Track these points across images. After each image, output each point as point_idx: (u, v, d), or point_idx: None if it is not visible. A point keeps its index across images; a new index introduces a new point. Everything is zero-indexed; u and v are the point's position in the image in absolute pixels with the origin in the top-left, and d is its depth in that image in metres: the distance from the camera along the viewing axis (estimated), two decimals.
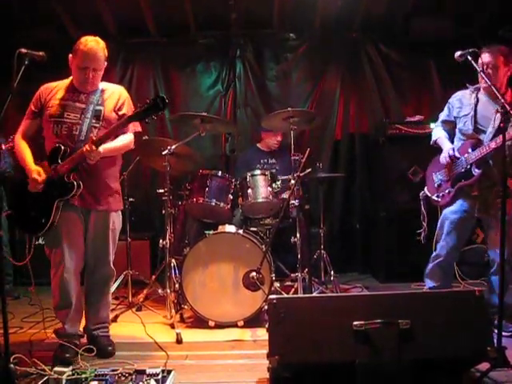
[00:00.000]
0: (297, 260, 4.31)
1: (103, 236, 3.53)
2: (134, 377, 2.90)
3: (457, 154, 3.84)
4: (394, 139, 5.64)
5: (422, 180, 5.29)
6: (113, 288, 3.95)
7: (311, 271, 4.46)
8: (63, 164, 3.32)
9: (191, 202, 4.44)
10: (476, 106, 3.83)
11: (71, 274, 3.43)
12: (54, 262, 3.44)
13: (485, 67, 3.57)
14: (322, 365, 2.69)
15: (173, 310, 4.18)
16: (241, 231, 4.23)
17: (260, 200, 4.41)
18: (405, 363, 2.64)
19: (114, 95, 3.57)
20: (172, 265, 4.38)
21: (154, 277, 4.85)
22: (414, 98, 6.41)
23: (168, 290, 4.25)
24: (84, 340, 3.62)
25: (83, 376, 2.92)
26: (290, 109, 4.38)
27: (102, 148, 3.31)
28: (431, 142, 4.14)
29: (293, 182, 4.20)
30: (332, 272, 4.90)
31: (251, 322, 4.10)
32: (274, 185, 4.47)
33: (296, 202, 4.26)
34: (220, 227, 4.28)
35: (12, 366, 2.88)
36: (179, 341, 3.77)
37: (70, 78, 3.53)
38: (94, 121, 3.44)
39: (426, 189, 4.15)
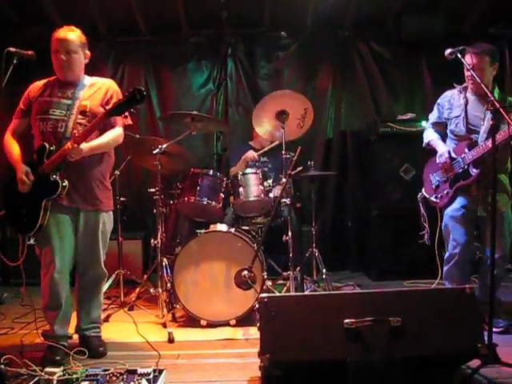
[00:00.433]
0: (289, 258, 4.29)
1: (93, 237, 3.47)
2: (125, 376, 2.88)
3: (453, 155, 3.85)
4: (386, 137, 5.65)
5: (414, 178, 5.35)
6: (105, 288, 3.91)
7: (303, 270, 4.45)
8: (47, 163, 3.26)
9: (183, 200, 4.43)
10: (466, 106, 3.85)
11: (61, 274, 3.38)
12: (45, 263, 3.39)
13: (470, 67, 3.58)
14: (313, 363, 2.68)
15: (165, 310, 4.16)
16: (232, 230, 4.21)
17: (251, 198, 4.41)
18: (396, 361, 2.63)
19: (101, 89, 3.48)
20: (164, 264, 4.37)
21: (145, 276, 4.84)
22: (405, 96, 6.42)
23: (160, 290, 4.24)
24: (74, 340, 3.60)
25: (74, 376, 2.91)
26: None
27: (84, 145, 3.23)
28: (424, 145, 4.16)
29: (284, 180, 4.20)
30: (324, 270, 4.89)
31: (243, 321, 4.09)
32: (265, 183, 4.46)
33: (288, 201, 4.25)
34: (211, 226, 4.26)
35: (3, 366, 2.88)
36: (171, 340, 3.76)
37: None
38: (79, 117, 3.35)
39: (423, 190, 4.15)
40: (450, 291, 3.23)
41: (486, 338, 2.77)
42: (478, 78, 3.34)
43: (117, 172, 4.70)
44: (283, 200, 4.23)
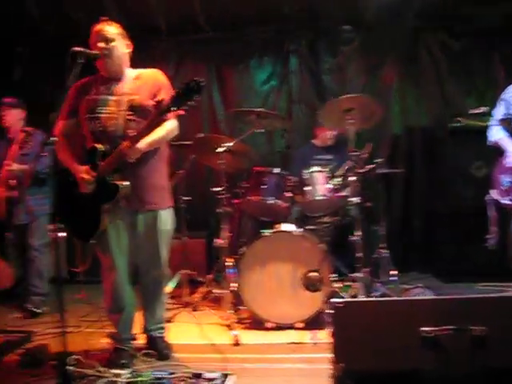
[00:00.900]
0: (355, 259, 4.12)
1: (153, 237, 3.34)
2: (191, 380, 2.83)
3: None
4: (456, 133, 5.40)
5: (487, 176, 5.09)
6: (170, 288, 3.87)
7: (371, 271, 4.29)
8: (103, 165, 3.14)
9: (247, 200, 4.35)
10: None
11: (122, 278, 3.33)
12: (105, 266, 3.35)
13: None
14: (389, 373, 2.55)
15: (229, 311, 4.09)
16: (299, 230, 4.10)
17: (319, 197, 4.28)
18: (477, 373, 2.47)
19: (148, 81, 3.31)
20: (228, 264, 4.30)
21: (210, 276, 4.79)
22: (476, 91, 6.09)
23: (224, 290, 4.16)
24: (140, 341, 3.58)
25: (139, 379, 2.89)
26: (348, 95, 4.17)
27: (141, 144, 3.09)
28: (489, 143, 3.94)
29: (353, 178, 4.05)
30: (393, 272, 4.70)
31: (310, 324, 3.96)
32: (332, 181, 4.32)
33: (357, 200, 4.09)
34: (277, 226, 4.16)
35: (70, 367, 2.87)
36: (237, 343, 3.69)
37: None
38: (129, 113, 3.20)
39: (493, 191, 3.92)
40: None
41: None
42: None
43: (181, 171, 4.66)
44: (352, 199, 4.08)
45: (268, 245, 4.04)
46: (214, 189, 4.37)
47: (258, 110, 4.30)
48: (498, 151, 3.88)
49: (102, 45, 3.19)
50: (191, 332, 3.98)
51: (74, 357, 3.11)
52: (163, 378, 2.87)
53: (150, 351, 3.44)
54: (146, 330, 3.57)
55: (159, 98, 3.08)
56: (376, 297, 4.34)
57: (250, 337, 3.86)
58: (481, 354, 2.49)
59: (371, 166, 4.12)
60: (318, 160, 5.15)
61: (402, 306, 2.72)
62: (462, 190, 5.41)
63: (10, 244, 5.22)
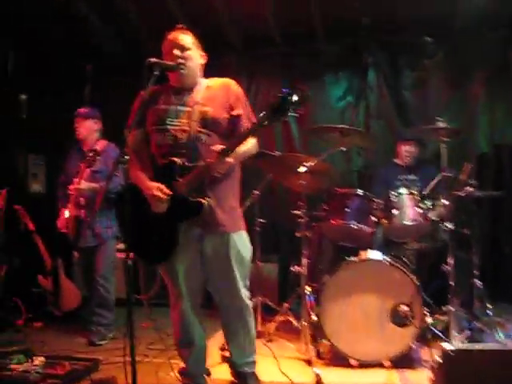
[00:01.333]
0: (445, 289, 3.76)
1: (225, 263, 2.98)
2: None
3: None
4: None
5: None
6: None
7: (466, 304, 3.89)
8: (183, 182, 2.84)
9: (329, 223, 4.04)
10: None
11: (191, 308, 3.05)
12: (172, 294, 3.07)
13: None
14: None
15: (309, 345, 3.76)
16: (388, 258, 3.74)
17: (408, 222, 3.92)
18: None
19: (221, 91, 3.03)
20: (308, 292, 3.97)
21: (286, 305, 4.45)
22: None
23: (303, 322, 3.84)
24: (220, 377, 3.30)
25: None
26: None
27: (229, 157, 2.79)
28: None
29: (445, 202, 3.68)
30: (489, 305, 4.26)
31: (398, 362, 3.60)
32: (422, 204, 3.95)
33: (450, 226, 3.71)
34: (362, 253, 3.82)
35: None
36: (319, 383, 3.35)
37: None
38: (200, 125, 2.92)
39: None
40: None
41: None
42: None
43: (257, 192, 4.39)
44: (445, 224, 3.70)
45: (353, 273, 3.71)
46: (295, 211, 4.09)
47: (341, 126, 4.02)
48: None
49: (177, 52, 2.95)
50: (268, 367, 3.63)
51: None
52: None
53: None
54: (233, 365, 3.23)
55: (236, 112, 2.95)
56: (470, 332, 4.00)
57: (332, 375, 3.51)
58: None
59: (468, 187, 3.72)
60: (401, 181, 4.79)
61: None
62: None
63: (76, 264, 5.11)
